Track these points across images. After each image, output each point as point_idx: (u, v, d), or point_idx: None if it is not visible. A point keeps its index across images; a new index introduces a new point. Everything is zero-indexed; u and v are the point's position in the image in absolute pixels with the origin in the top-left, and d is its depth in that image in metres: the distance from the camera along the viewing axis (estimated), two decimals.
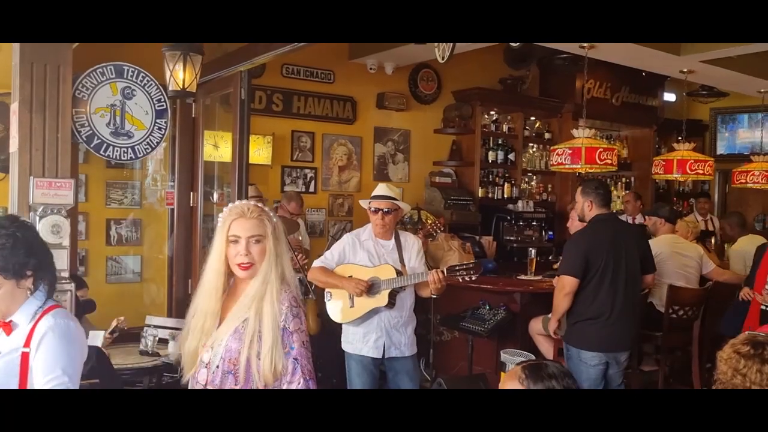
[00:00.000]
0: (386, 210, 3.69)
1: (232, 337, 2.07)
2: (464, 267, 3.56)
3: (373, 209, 3.73)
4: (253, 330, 2.03)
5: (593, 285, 3.85)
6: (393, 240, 3.78)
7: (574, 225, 4.60)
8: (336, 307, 3.77)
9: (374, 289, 3.62)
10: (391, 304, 3.63)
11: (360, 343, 3.71)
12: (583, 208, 4.07)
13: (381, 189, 3.79)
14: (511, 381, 1.77)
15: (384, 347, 3.67)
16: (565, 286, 3.89)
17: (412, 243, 3.82)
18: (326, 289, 3.81)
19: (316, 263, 3.80)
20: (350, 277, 3.69)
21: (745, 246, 5.80)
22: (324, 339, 5.87)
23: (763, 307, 4.53)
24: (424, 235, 5.12)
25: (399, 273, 3.62)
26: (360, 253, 3.73)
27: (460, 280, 3.59)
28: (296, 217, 5.45)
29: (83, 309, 4.01)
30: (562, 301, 3.91)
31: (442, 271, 3.49)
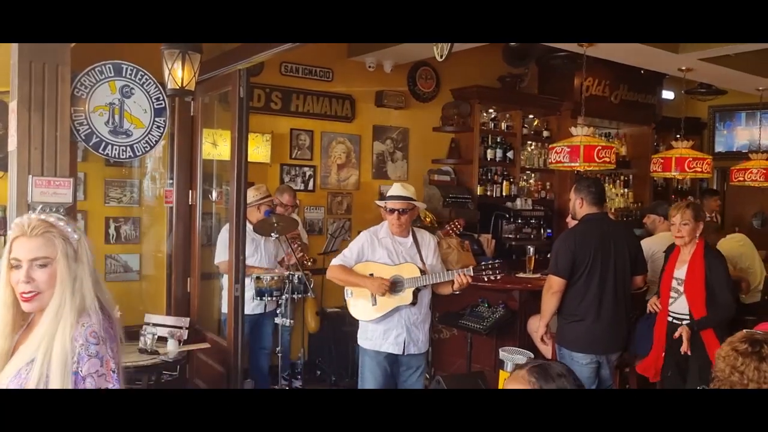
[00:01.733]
0: (402, 210, 3.73)
1: (13, 381, 1.73)
2: (489, 267, 3.64)
3: (389, 209, 3.75)
4: (39, 375, 1.69)
5: (581, 284, 3.87)
6: (410, 237, 3.83)
7: (572, 222, 4.61)
8: (358, 305, 3.82)
9: (397, 288, 3.68)
10: (415, 302, 3.69)
11: (380, 339, 3.76)
12: (575, 206, 4.09)
13: (397, 189, 3.83)
14: (515, 384, 1.76)
15: (404, 344, 3.73)
16: (552, 285, 3.93)
17: (428, 241, 3.88)
18: (346, 287, 3.84)
19: (335, 261, 3.85)
20: (371, 275, 3.72)
21: (730, 245, 5.79)
22: (322, 338, 5.90)
23: (671, 319, 4.04)
24: (444, 235, 5.15)
25: (422, 272, 3.68)
26: (379, 250, 3.78)
27: (486, 280, 3.67)
28: (290, 209, 5.45)
29: None
30: (549, 301, 3.94)
31: (470, 273, 3.58)
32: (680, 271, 4.01)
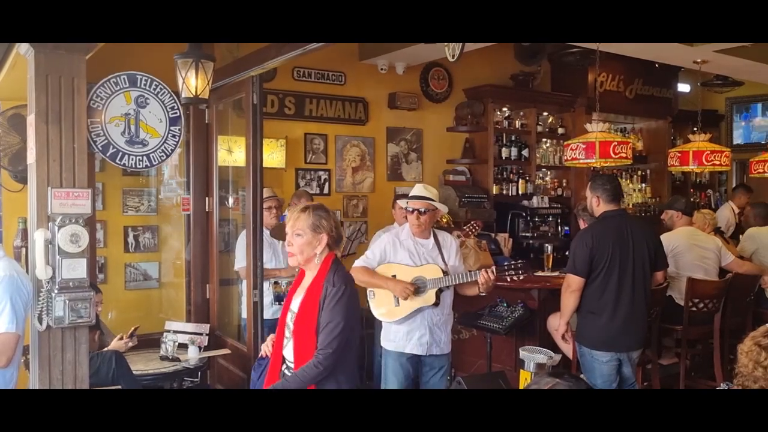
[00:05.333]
0: (422, 210, 3.74)
1: None
2: (512, 267, 3.65)
3: (409, 209, 3.78)
4: None
5: (599, 282, 3.86)
6: (432, 239, 3.85)
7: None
8: (380, 306, 3.85)
9: (420, 289, 3.69)
10: (438, 303, 3.70)
11: (403, 340, 3.79)
12: (592, 204, 4.08)
13: (418, 189, 3.87)
14: None
15: (427, 345, 3.76)
16: (570, 284, 3.92)
17: (450, 242, 3.90)
18: (369, 289, 3.87)
19: (358, 263, 3.88)
20: (394, 276, 3.76)
21: (761, 231, 5.77)
22: None
23: (284, 368, 2.81)
24: (464, 236, 5.16)
25: (445, 273, 3.70)
26: (401, 252, 3.81)
27: (508, 280, 3.68)
28: None
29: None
30: (568, 299, 3.94)
31: (492, 271, 3.60)
32: (297, 302, 2.80)
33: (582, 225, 5.04)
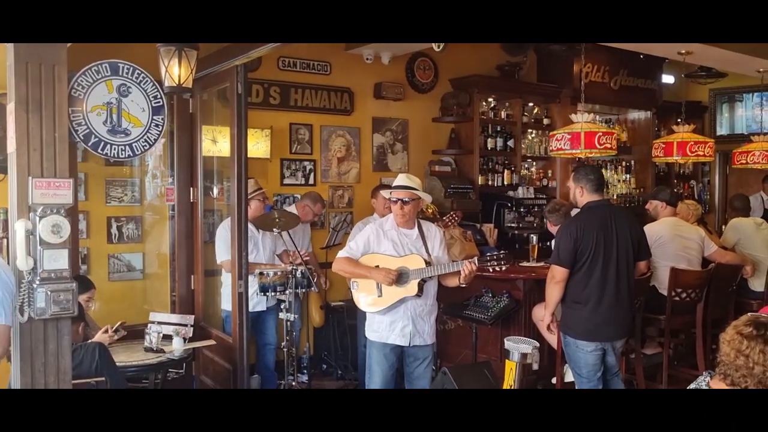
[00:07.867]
0: (406, 200, 3.74)
1: None
2: (495, 258, 3.66)
3: (393, 199, 3.77)
4: None
5: (584, 272, 3.88)
6: (416, 229, 3.84)
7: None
8: (363, 297, 3.85)
9: (403, 279, 3.70)
10: (420, 293, 3.71)
11: (386, 331, 3.79)
12: (575, 195, 4.08)
13: (401, 179, 3.86)
14: None
15: (410, 335, 3.76)
16: (554, 275, 3.94)
17: (434, 233, 3.90)
18: (352, 279, 3.87)
19: (341, 254, 3.87)
20: (377, 266, 3.75)
21: (742, 222, 5.86)
22: (328, 332, 5.91)
23: None
24: (443, 227, 5.17)
25: (428, 263, 3.70)
26: (384, 242, 3.80)
27: (491, 271, 3.69)
28: (317, 217, 5.70)
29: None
30: (552, 290, 3.96)
31: (474, 263, 3.59)
32: None
33: (550, 227, 5.07)
